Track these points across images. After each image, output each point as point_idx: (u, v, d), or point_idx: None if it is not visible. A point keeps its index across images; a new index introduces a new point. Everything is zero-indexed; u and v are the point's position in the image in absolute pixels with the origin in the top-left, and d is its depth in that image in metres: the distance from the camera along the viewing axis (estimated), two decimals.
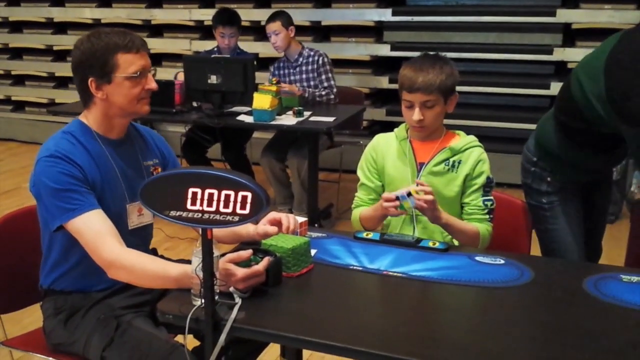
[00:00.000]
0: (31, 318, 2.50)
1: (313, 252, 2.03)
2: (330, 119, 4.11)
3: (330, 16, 5.78)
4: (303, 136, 4.40)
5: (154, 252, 2.31)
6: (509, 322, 1.66)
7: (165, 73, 5.99)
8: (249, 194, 1.52)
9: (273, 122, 4.08)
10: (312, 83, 4.63)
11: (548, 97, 5.40)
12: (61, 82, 6.80)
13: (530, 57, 5.34)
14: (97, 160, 2.04)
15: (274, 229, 2.04)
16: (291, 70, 4.70)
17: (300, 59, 4.65)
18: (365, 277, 1.92)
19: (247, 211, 1.53)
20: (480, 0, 5.68)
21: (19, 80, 7.07)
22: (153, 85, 2.05)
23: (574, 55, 5.20)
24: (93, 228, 1.92)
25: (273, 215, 2.08)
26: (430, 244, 2.12)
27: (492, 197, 2.30)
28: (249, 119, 4.12)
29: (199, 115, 4.29)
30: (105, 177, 2.04)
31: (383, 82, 5.74)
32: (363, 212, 2.38)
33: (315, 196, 4.35)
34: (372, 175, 2.41)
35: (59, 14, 6.69)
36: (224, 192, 1.53)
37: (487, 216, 2.28)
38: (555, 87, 5.26)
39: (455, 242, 2.29)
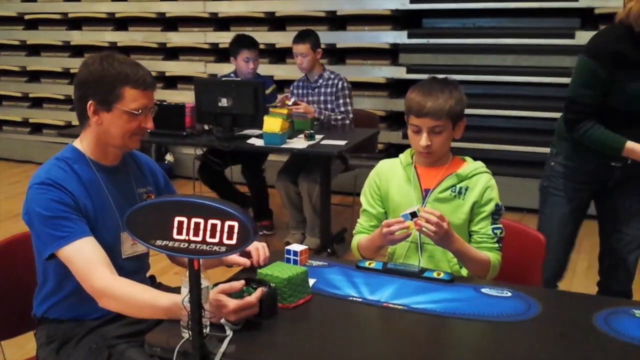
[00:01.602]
0: (33, 344, 2.44)
1: (312, 281, 1.96)
2: (342, 143, 4.04)
3: (346, 39, 5.74)
4: (315, 160, 4.34)
5: (151, 280, 2.26)
6: (512, 358, 1.57)
7: (180, 96, 6.02)
8: (236, 224, 1.45)
9: (284, 146, 4.03)
10: (329, 106, 4.58)
11: None
12: None
13: (549, 79, 5.24)
14: (89, 188, 1.99)
15: (245, 261, 1.98)
16: (309, 91, 4.66)
17: (320, 81, 4.61)
18: (365, 309, 1.84)
19: (233, 241, 1.46)
20: (498, 22, 5.61)
21: (37, 102, 7.12)
22: (149, 125, 2.00)
23: None
24: (84, 256, 1.87)
25: None
26: (435, 275, 2.03)
27: (501, 226, 2.21)
28: (259, 142, 4.07)
29: (210, 139, 4.26)
30: (98, 205, 2.00)
31: (399, 105, 5.66)
32: (361, 240, 2.30)
33: (328, 221, 4.28)
34: (375, 201, 2.34)
35: (76, 37, 6.74)
36: (210, 222, 1.47)
37: (497, 245, 2.19)
38: None
39: (463, 272, 2.20)
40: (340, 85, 4.55)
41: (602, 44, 2.58)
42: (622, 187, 2.78)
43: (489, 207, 2.19)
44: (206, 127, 4.41)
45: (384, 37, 5.69)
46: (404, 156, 2.33)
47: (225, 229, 1.46)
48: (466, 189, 2.21)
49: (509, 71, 5.33)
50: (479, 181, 2.21)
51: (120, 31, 6.54)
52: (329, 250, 4.27)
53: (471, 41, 5.43)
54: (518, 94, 5.43)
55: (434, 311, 1.81)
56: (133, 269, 2.07)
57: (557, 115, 5.15)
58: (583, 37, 5.08)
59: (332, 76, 4.60)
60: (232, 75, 4.87)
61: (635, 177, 2.73)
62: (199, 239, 1.48)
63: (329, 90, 4.57)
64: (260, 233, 4.71)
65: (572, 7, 5.12)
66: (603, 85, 2.54)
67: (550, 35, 5.21)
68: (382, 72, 5.71)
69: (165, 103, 4.53)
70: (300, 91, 4.70)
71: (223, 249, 1.47)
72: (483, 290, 1.95)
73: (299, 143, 4.06)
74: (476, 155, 2.37)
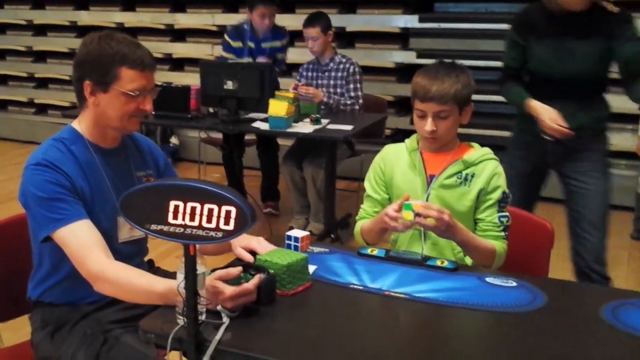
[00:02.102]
0: (29, 327, 2.41)
1: (312, 268, 1.92)
2: (349, 127, 3.98)
3: (355, 22, 5.67)
4: (321, 144, 4.29)
5: (149, 264, 2.22)
6: (518, 351, 1.53)
7: (187, 78, 5.98)
8: (233, 209, 1.41)
9: (289, 130, 3.97)
10: (338, 90, 4.52)
11: None
12: None
13: None
14: (86, 170, 1.95)
15: (250, 257, 1.92)
16: (319, 74, 4.60)
17: (331, 64, 4.55)
18: (366, 297, 1.80)
19: (231, 227, 1.42)
20: (510, 7, 5.51)
21: (42, 83, 7.08)
22: (148, 107, 1.95)
23: None
24: (79, 239, 1.84)
25: (247, 242, 1.96)
26: (439, 263, 1.98)
27: (507, 214, 2.15)
28: (264, 126, 4.02)
29: (214, 122, 4.21)
30: (95, 187, 1.96)
31: (408, 90, 5.52)
32: (364, 225, 2.26)
33: (333, 206, 4.23)
34: (379, 187, 2.29)
35: (84, 18, 6.68)
36: (206, 206, 1.42)
37: (503, 233, 2.14)
38: None
39: (468, 261, 2.15)
40: (351, 70, 4.49)
41: (519, 16, 3.04)
42: (565, 166, 2.98)
43: (496, 195, 2.14)
44: (211, 110, 4.35)
45: (394, 21, 5.61)
46: (410, 141, 2.28)
47: (222, 214, 1.42)
48: (472, 176, 2.15)
49: None
50: (486, 168, 2.16)
51: (128, 12, 6.48)
52: (332, 235, 4.23)
53: (483, 26, 5.35)
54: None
55: (437, 300, 1.76)
56: (130, 253, 2.04)
57: None
58: None
59: (344, 60, 4.53)
60: (244, 25, 4.68)
61: (574, 155, 2.94)
62: (195, 224, 1.43)
63: (339, 74, 4.51)
64: (265, 211, 4.70)
65: None
66: (519, 51, 2.97)
67: None
68: (391, 56, 5.64)
69: (170, 85, 4.48)
70: (310, 74, 4.63)
71: (220, 234, 1.42)
72: (487, 279, 1.90)
73: (305, 127, 4.00)
74: (486, 142, 2.32)
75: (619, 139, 5.00)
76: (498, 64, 5.15)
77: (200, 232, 1.44)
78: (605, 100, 3.07)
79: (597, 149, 3.00)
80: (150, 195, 1.47)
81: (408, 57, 5.59)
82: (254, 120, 4.14)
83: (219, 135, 4.87)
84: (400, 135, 5.61)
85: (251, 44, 4.64)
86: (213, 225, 1.43)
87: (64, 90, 6.92)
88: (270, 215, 4.77)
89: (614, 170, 5.01)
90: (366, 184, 2.33)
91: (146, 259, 2.20)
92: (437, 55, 5.46)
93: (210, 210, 1.43)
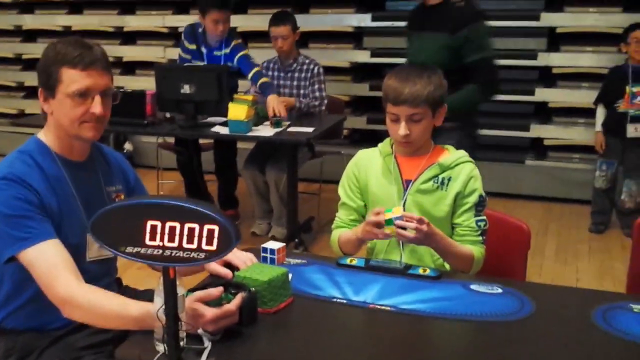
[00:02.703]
0: None
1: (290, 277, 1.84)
2: (310, 130, 3.92)
3: (309, 22, 5.58)
4: (281, 148, 4.20)
5: (118, 283, 2.11)
6: None
7: (139, 82, 5.81)
8: (216, 228, 1.32)
9: (250, 134, 3.88)
10: (302, 92, 4.44)
11: (532, 103, 5.27)
12: (31, 92, 6.54)
13: (515, 62, 5.19)
14: (54, 185, 1.84)
15: (227, 272, 1.84)
16: (282, 74, 4.50)
17: (295, 65, 4.46)
18: (350, 312, 1.73)
19: (214, 247, 1.33)
20: None
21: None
22: (96, 109, 1.80)
23: (559, 60, 5.08)
24: (47, 260, 1.72)
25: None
26: (421, 271, 1.93)
27: (484, 217, 2.12)
28: (224, 130, 3.91)
29: (172, 127, 4.09)
30: (63, 203, 1.84)
31: (363, 90, 5.57)
32: (342, 235, 2.19)
33: (295, 210, 4.16)
34: (354, 194, 2.23)
35: (28, 21, 6.44)
36: (187, 225, 1.33)
37: (480, 238, 2.10)
38: (540, 93, 5.13)
39: (447, 266, 2.11)
40: (316, 71, 4.42)
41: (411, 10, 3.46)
42: None
43: (473, 198, 2.10)
44: (167, 115, 4.22)
45: (347, 20, 5.57)
46: (383, 146, 2.22)
47: (205, 234, 1.33)
48: (449, 180, 2.11)
49: None
50: (462, 171, 2.12)
51: (75, 15, 6.27)
52: (296, 240, 4.16)
53: None
54: None
55: (423, 312, 1.71)
56: (98, 273, 1.92)
57: (523, 97, 5.19)
58: (548, 18, 5.06)
59: (307, 61, 4.46)
60: (199, 28, 4.43)
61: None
62: (175, 244, 1.34)
63: (303, 75, 4.43)
64: None
65: None
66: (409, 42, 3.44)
67: (516, 18, 5.16)
68: (346, 55, 5.59)
69: (122, 90, 4.33)
70: (271, 73, 4.52)
71: (202, 255, 1.33)
72: (472, 286, 1.86)
73: (266, 131, 3.92)
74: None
75: (573, 133, 5.08)
76: None
77: (180, 254, 1.34)
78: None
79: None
80: (125, 215, 1.37)
81: (362, 56, 5.55)
82: (213, 124, 4.04)
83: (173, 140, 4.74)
84: (357, 135, 5.57)
85: (204, 50, 4.49)
86: (194, 245, 1.34)
87: (10, 97, 6.66)
88: None
89: (568, 164, 5.12)
90: (340, 192, 2.26)
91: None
92: (391, 54, 5.44)
93: (191, 230, 1.33)
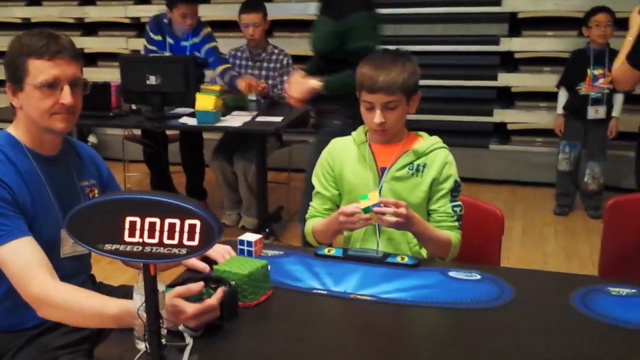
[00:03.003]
0: None
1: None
2: (279, 119, 3.89)
3: (273, 11, 5.52)
4: (249, 138, 4.17)
5: (92, 279, 2.07)
6: (492, 348, 1.50)
7: (101, 73, 5.69)
8: (198, 222, 1.29)
9: (218, 124, 3.84)
10: (270, 82, 4.40)
11: (495, 88, 5.32)
12: None
13: (477, 48, 5.24)
14: (27, 180, 1.79)
15: (205, 266, 1.83)
16: (250, 63, 4.45)
17: (264, 55, 4.41)
18: (331, 303, 1.73)
19: (195, 242, 1.30)
20: None
21: None
22: (65, 100, 1.75)
23: (521, 45, 5.13)
24: (21, 259, 1.68)
25: None
26: (399, 259, 1.93)
27: (460, 203, 2.13)
28: (192, 122, 3.86)
29: (138, 119, 4.02)
30: (37, 199, 1.80)
31: None
32: (316, 225, 2.18)
33: (265, 200, 4.14)
34: (329, 183, 2.22)
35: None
36: (167, 221, 1.30)
37: (457, 223, 2.11)
38: (502, 78, 5.18)
39: (423, 252, 2.12)
40: (285, 62, 4.39)
41: None
42: None
43: (448, 184, 2.11)
44: (133, 107, 4.15)
45: (311, 9, 5.50)
46: (357, 134, 2.21)
47: (186, 229, 1.30)
48: (424, 166, 2.11)
49: (438, 41, 5.30)
50: (437, 157, 2.12)
51: (34, 6, 6.11)
52: (267, 230, 4.13)
53: (401, 11, 5.36)
54: (446, 64, 5.40)
55: (404, 300, 1.71)
56: (73, 270, 1.88)
57: (485, 83, 5.23)
58: (509, 4, 5.10)
59: (276, 51, 4.43)
60: (164, 19, 4.36)
61: None
62: (155, 240, 1.31)
63: (272, 65, 4.40)
64: None
65: None
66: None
67: (478, 4, 5.22)
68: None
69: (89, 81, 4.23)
70: (239, 62, 4.47)
71: (184, 251, 1.31)
72: (451, 273, 1.86)
73: (234, 121, 3.88)
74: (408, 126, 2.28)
75: (536, 117, 5.14)
76: (417, 48, 5.25)
77: (161, 250, 1.32)
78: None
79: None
80: (102, 212, 1.34)
81: None
82: (180, 115, 3.98)
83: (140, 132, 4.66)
84: None
85: (170, 40, 4.42)
86: (175, 241, 1.31)
87: None
88: None
89: (531, 147, 5.19)
90: (314, 181, 2.25)
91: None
92: None
93: (172, 225, 1.31)
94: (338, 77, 3.22)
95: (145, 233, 1.31)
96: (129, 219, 1.31)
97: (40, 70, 1.73)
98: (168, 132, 4.70)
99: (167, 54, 4.38)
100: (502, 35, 5.13)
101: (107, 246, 1.33)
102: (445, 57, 5.36)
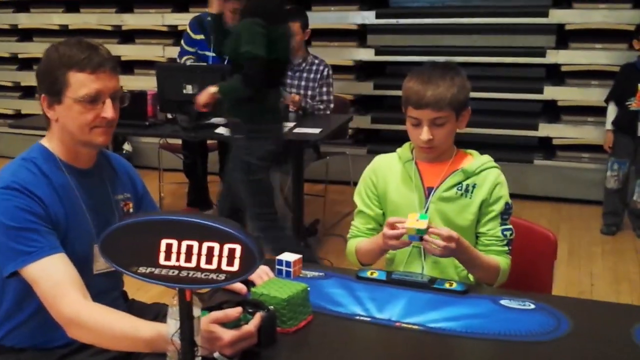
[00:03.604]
0: None
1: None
2: (317, 131, 3.81)
3: (311, 19, 5.46)
4: (286, 149, 4.08)
5: (124, 296, 2.00)
6: None
7: (138, 81, 5.70)
8: (238, 247, 1.21)
9: None
10: (309, 92, 4.32)
11: (541, 101, 5.17)
12: (27, 92, 6.42)
13: (522, 60, 5.10)
14: (61, 194, 1.73)
15: (242, 287, 1.76)
16: (289, 74, 4.37)
17: (304, 65, 4.34)
18: (375, 330, 1.63)
19: (235, 268, 1.22)
20: (468, 1, 5.43)
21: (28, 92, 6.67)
22: (107, 114, 1.70)
23: (568, 57, 4.98)
24: (52, 277, 1.61)
25: None
26: (447, 285, 1.82)
27: (511, 227, 2.01)
28: (227, 132, 3.79)
29: (174, 129, 3.97)
30: (70, 213, 1.74)
31: (367, 88, 5.45)
32: (360, 245, 2.08)
33: (301, 214, 4.04)
34: (372, 201, 2.11)
35: (24, 20, 6.31)
36: (205, 245, 1.22)
37: (506, 248, 1.99)
38: (548, 91, 5.03)
39: (471, 277, 2.00)
40: (325, 73, 4.31)
41: None
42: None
43: (498, 206, 1.99)
44: (169, 116, 4.10)
45: (351, 18, 5.46)
46: (403, 151, 2.11)
47: (225, 254, 1.22)
48: (474, 187, 2.00)
49: (480, 52, 5.17)
50: (487, 177, 2.01)
51: (72, 13, 6.14)
52: (303, 244, 4.04)
53: (441, 21, 5.26)
54: (490, 75, 5.29)
55: (453, 330, 1.60)
56: (105, 286, 1.82)
57: (531, 96, 5.09)
58: (556, 15, 4.96)
59: (317, 61, 4.35)
60: (207, 17, 4.25)
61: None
62: (192, 265, 1.23)
63: (312, 76, 4.32)
64: None
65: None
66: None
67: (523, 14, 5.07)
68: (349, 54, 5.47)
69: (126, 90, 4.20)
70: None
71: (222, 276, 1.23)
72: (502, 302, 1.75)
73: None
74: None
75: (582, 132, 4.98)
76: (458, 59, 5.13)
77: (198, 275, 1.24)
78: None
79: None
80: (137, 233, 1.26)
81: (367, 54, 5.45)
82: (217, 125, 3.92)
83: (177, 141, 4.61)
84: (361, 135, 5.47)
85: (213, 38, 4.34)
86: (214, 266, 1.23)
87: (7, 98, 6.53)
88: None
89: (577, 163, 5.02)
90: (356, 199, 2.15)
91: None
92: (396, 51, 5.36)
93: (211, 249, 1.23)
94: (229, 81, 3.44)
95: (182, 256, 1.24)
96: (165, 241, 1.24)
97: (82, 83, 1.67)
98: (208, 141, 4.65)
99: (210, 53, 4.29)
100: (549, 47, 4.99)
101: (142, 269, 1.26)
102: (489, 68, 5.24)
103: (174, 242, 1.23)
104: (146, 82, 4.78)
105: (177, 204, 4.87)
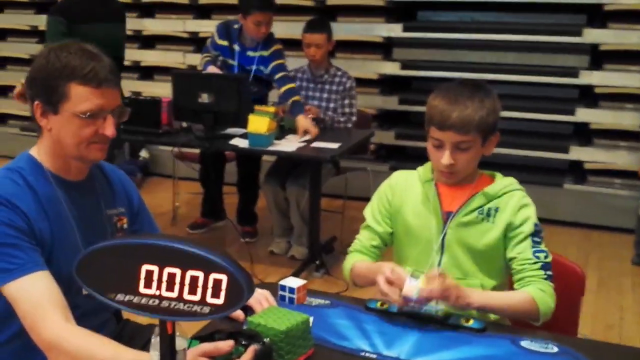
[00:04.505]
0: None
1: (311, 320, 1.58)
2: (335, 145, 3.66)
3: (336, 31, 5.33)
4: (304, 163, 3.95)
5: (117, 317, 1.87)
6: None
7: (157, 87, 5.62)
8: (224, 277, 1.08)
9: (271, 148, 3.63)
10: (331, 105, 4.18)
11: (572, 123, 4.98)
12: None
13: (554, 79, 4.90)
14: (47, 207, 1.61)
15: (239, 314, 1.63)
16: (311, 85, 4.24)
17: (326, 76, 4.20)
18: None
19: (220, 300, 1.09)
20: (497, 17, 5.27)
21: (1, 91, 6.63)
22: (109, 131, 1.60)
23: (602, 79, 4.78)
24: (33, 297, 1.50)
25: None
26: (463, 322, 1.67)
27: (545, 249, 1.83)
28: (243, 143, 3.67)
29: (188, 138, 3.85)
30: (57, 228, 1.62)
31: (391, 103, 5.29)
32: (357, 265, 1.95)
33: (317, 230, 3.90)
34: (383, 218, 1.97)
35: (44, 22, 6.23)
36: (189, 273, 1.10)
37: (542, 272, 1.79)
38: (580, 113, 4.84)
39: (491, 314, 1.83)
40: (348, 85, 4.16)
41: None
42: None
43: (527, 228, 1.83)
44: (184, 124, 3.99)
45: (377, 30, 5.31)
46: (424, 170, 1.96)
47: (210, 284, 1.09)
48: (496, 210, 1.85)
49: (511, 70, 4.99)
50: (511, 200, 1.86)
51: None
52: (317, 262, 3.90)
53: (470, 36, 5.08)
54: (520, 95, 5.10)
55: None
56: (94, 307, 1.69)
57: (562, 117, 4.90)
58: (591, 34, 4.77)
59: (340, 73, 4.20)
60: (234, 25, 4.16)
61: None
62: (174, 294, 1.11)
63: (334, 88, 4.17)
64: (242, 240, 4.31)
65: (579, 2, 4.79)
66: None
67: (556, 33, 4.88)
68: (374, 67, 5.33)
69: (141, 97, 4.12)
70: (299, 83, 4.25)
71: (206, 309, 1.10)
72: (523, 343, 1.59)
73: (288, 145, 3.67)
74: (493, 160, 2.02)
75: (615, 157, 4.77)
76: (487, 76, 4.98)
77: (180, 306, 1.11)
78: None
79: None
80: (116, 257, 1.14)
81: (392, 68, 5.29)
82: (232, 136, 3.79)
83: (193, 150, 4.49)
84: (384, 151, 5.32)
85: (236, 47, 4.21)
86: (197, 297, 1.10)
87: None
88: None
89: (609, 189, 4.82)
90: (367, 213, 2.01)
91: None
92: (422, 66, 5.20)
93: (194, 279, 1.10)
94: None
95: (164, 285, 1.11)
96: (145, 267, 1.12)
97: (84, 97, 1.57)
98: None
99: (231, 61, 4.17)
100: (582, 68, 4.79)
101: (120, 296, 1.14)
102: (519, 87, 5.06)
103: (156, 269, 1.11)
104: (165, 89, 4.66)
105: (192, 214, 4.76)
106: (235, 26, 4.16)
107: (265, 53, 4.12)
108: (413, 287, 1.63)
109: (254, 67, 4.13)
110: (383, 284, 1.68)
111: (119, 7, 4.21)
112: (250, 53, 4.15)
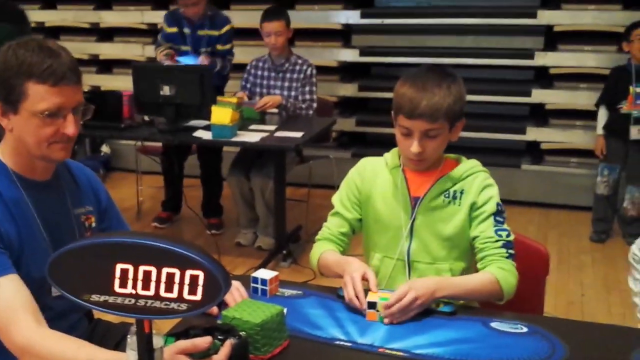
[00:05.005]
0: None
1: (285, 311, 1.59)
2: (299, 135, 3.67)
3: (294, 18, 5.31)
4: (268, 153, 3.95)
5: (88, 317, 1.86)
6: None
7: (116, 81, 5.55)
8: (200, 274, 1.08)
9: (235, 139, 3.62)
10: (293, 93, 4.18)
11: (528, 104, 5.07)
12: None
13: (510, 62, 4.99)
14: (13, 209, 1.58)
15: (212, 309, 1.59)
16: (272, 74, 4.23)
17: (287, 65, 4.19)
18: (357, 357, 1.50)
19: (197, 297, 1.09)
20: (455, 1, 5.32)
21: None
22: (69, 130, 1.56)
23: (557, 59, 4.87)
24: (3, 301, 1.48)
25: None
26: (433, 306, 1.70)
27: (507, 228, 1.86)
28: (207, 135, 3.65)
29: (151, 131, 3.81)
30: (24, 231, 1.60)
31: (351, 90, 5.32)
32: (325, 256, 1.94)
33: (283, 219, 3.90)
34: (352, 205, 1.98)
35: None
36: (165, 271, 1.09)
37: (504, 250, 1.82)
38: (536, 94, 4.93)
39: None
40: (309, 72, 4.17)
41: None
42: None
43: (489, 207, 1.86)
44: (146, 118, 3.95)
45: (335, 17, 5.32)
46: (391, 157, 1.98)
47: (187, 281, 1.09)
48: (461, 193, 1.88)
49: (468, 53, 5.06)
50: (474, 181, 1.89)
51: (48, 10, 5.95)
52: (284, 251, 3.91)
53: (428, 21, 5.13)
54: (477, 77, 5.17)
55: (440, 357, 1.48)
56: (65, 309, 1.68)
57: (518, 99, 4.98)
58: (545, 16, 4.85)
59: (300, 61, 4.21)
60: (180, 9, 4.27)
61: None
62: (150, 293, 1.11)
63: (295, 76, 4.17)
64: (209, 232, 4.30)
65: None
66: None
67: (511, 15, 4.96)
68: (333, 54, 5.34)
69: (101, 91, 4.07)
70: (260, 72, 4.25)
71: (183, 306, 1.10)
72: (493, 324, 1.63)
73: (251, 136, 3.66)
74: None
75: (571, 136, 4.88)
76: (445, 60, 5.03)
77: (157, 304, 1.11)
78: None
79: None
80: (89, 257, 1.13)
81: (351, 55, 5.32)
82: (195, 128, 3.77)
83: (155, 143, 4.46)
84: (345, 138, 5.34)
85: (187, 31, 4.25)
86: (174, 294, 1.10)
87: None
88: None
89: (566, 168, 4.93)
90: (335, 200, 2.02)
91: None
92: (381, 52, 5.23)
93: (170, 276, 1.10)
94: None
95: (139, 284, 1.11)
96: (120, 266, 1.11)
97: (42, 97, 1.52)
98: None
99: (185, 47, 4.20)
100: (537, 49, 4.87)
101: (95, 297, 1.13)
102: (475, 70, 5.13)
103: (130, 268, 1.10)
104: (125, 83, 4.61)
105: (157, 208, 4.72)
106: (181, 10, 4.22)
107: (216, 33, 4.25)
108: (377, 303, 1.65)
109: (207, 49, 4.27)
110: (350, 291, 1.70)
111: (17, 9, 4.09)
112: (200, 32, 4.26)
